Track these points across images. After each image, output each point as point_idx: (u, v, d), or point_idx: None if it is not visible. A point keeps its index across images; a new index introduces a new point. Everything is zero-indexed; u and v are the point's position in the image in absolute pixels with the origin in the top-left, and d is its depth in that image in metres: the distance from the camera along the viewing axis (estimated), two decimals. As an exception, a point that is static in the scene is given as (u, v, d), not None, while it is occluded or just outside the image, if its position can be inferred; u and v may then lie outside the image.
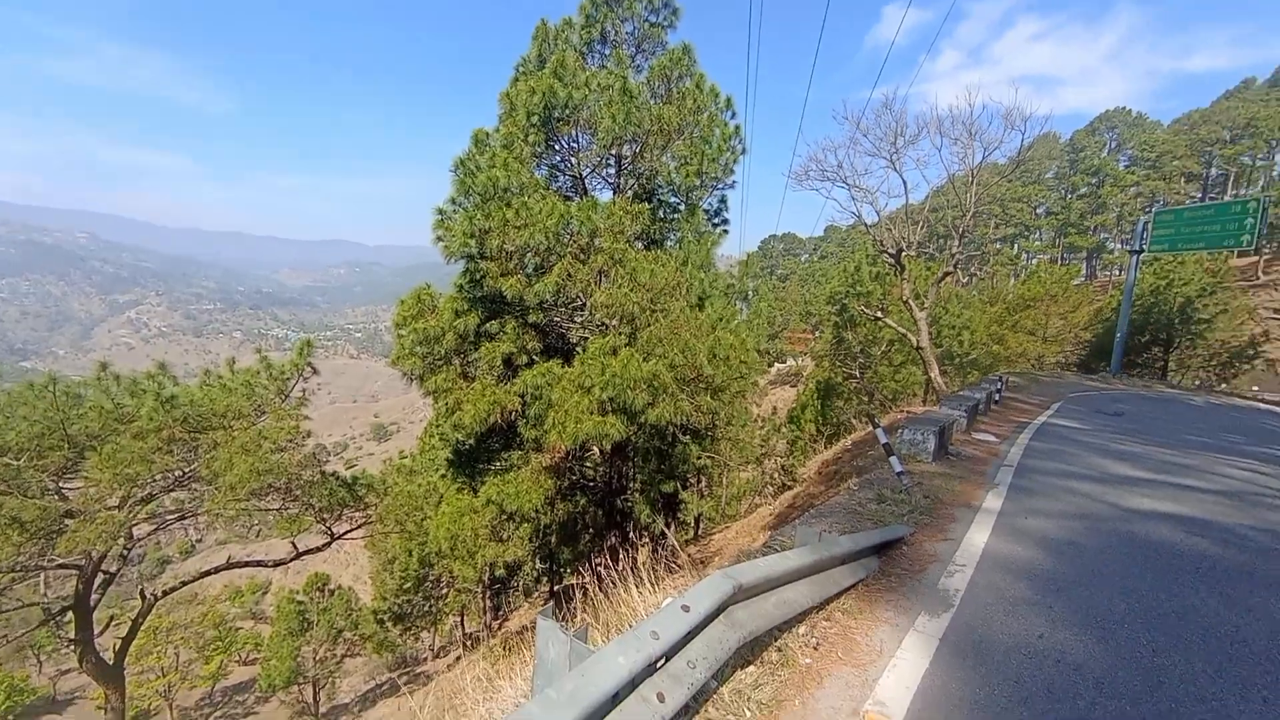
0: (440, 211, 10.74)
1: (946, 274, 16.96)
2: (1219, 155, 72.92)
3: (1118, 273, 74.58)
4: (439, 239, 10.63)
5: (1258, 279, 64.16)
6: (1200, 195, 76.57)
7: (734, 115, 14.70)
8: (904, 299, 16.58)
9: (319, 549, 12.28)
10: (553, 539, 13.38)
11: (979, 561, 4.57)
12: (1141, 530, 5.25)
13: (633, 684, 1.97)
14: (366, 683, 27.27)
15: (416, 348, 11.02)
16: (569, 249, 10.48)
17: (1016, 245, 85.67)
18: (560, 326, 12.91)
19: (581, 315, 12.86)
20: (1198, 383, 34.66)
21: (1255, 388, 42.86)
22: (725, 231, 15.47)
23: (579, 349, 11.62)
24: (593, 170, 12.59)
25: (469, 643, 22.12)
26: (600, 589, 4.54)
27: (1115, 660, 3.30)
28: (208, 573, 11.67)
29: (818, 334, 53.34)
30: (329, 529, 12.25)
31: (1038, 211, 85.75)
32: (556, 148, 12.12)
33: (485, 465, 12.64)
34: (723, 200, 15.22)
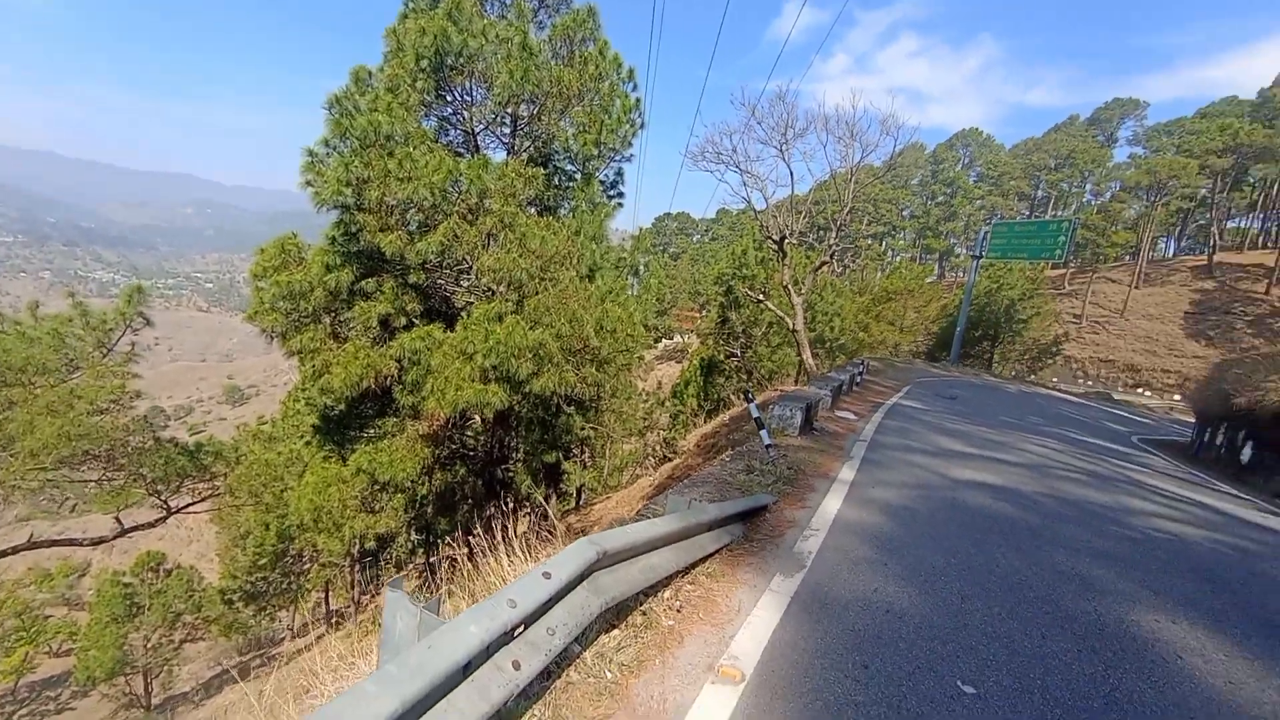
0: (311, 153, 9.74)
1: (823, 263, 18.17)
2: (1045, 179, 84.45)
3: (961, 274, 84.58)
4: (308, 184, 9.65)
5: (1064, 288, 76.24)
6: (1028, 212, 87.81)
7: (635, 88, 14.55)
8: (784, 284, 17.50)
9: (152, 525, 10.98)
10: (429, 509, 12.92)
11: (831, 527, 5.00)
12: (963, 497, 6.01)
13: (487, 653, 1.94)
14: (211, 668, 25.07)
15: (279, 303, 10.01)
16: (456, 208, 9.95)
17: (884, 243, 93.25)
18: (444, 289, 12.31)
19: (468, 279, 12.33)
20: (1014, 373, 40.99)
21: (1055, 380, 51.57)
22: (620, 204, 15.41)
23: (463, 314, 11.14)
24: (486, 127, 11.98)
25: (334, 620, 20.98)
26: (471, 560, 4.44)
27: (932, 607, 3.75)
28: (3, 553, 10.03)
29: (704, 313, 55.74)
30: (165, 503, 10.96)
31: (903, 213, 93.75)
32: (448, 99, 11.38)
33: (356, 433, 11.87)
34: (619, 173, 15.12)
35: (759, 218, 18.05)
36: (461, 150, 12.02)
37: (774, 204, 17.81)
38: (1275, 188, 75.17)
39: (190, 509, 11.93)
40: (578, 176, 14.57)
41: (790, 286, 17.44)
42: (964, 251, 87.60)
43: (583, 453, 18.14)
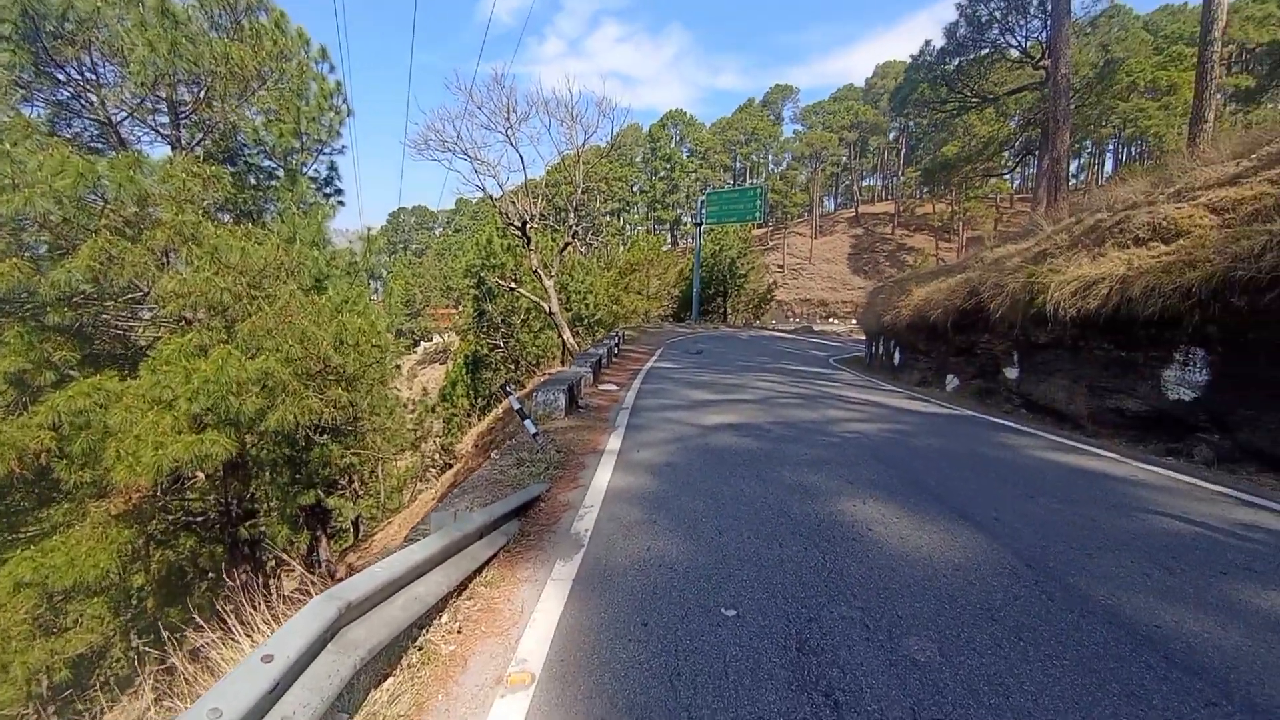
0: None
1: (567, 244, 18.76)
2: (739, 153, 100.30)
3: (690, 241, 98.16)
4: None
5: (768, 245, 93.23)
6: (732, 181, 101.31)
7: (333, 69, 13.03)
8: (534, 269, 17.65)
9: None
10: (149, 602, 10.41)
11: (604, 499, 5.21)
12: (713, 441, 6.77)
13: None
14: None
15: None
16: (105, 221, 7.89)
17: (621, 218, 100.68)
18: (114, 326, 9.83)
19: (148, 309, 10.03)
20: (743, 322, 47.07)
21: (773, 322, 63.02)
22: (340, 203, 13.84)
23: (149, 354, 9.03)
24: (131, 115, 9.65)
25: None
26: (192, 659, 3.63)
27: (696, 549, 4.15)
28: None
29: (460, 308, 54.00)
30: None
31: (634, 189, 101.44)
32: (61, 77, 8.86)
33: (9, 536, 8.96)
34: (332, 167, 13.53)
35: (498, 205, 17.80)
36: (99, 145, 9.54)
37: (510, 190, 17.73)
38: (884, 152, 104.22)
39: None
40: (279, 174, 12.70)
41: (540, 270, 17.67)
42: (689, 220, 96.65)
43: (350, 482, 16.30)
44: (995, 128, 45.86)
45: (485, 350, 23.36)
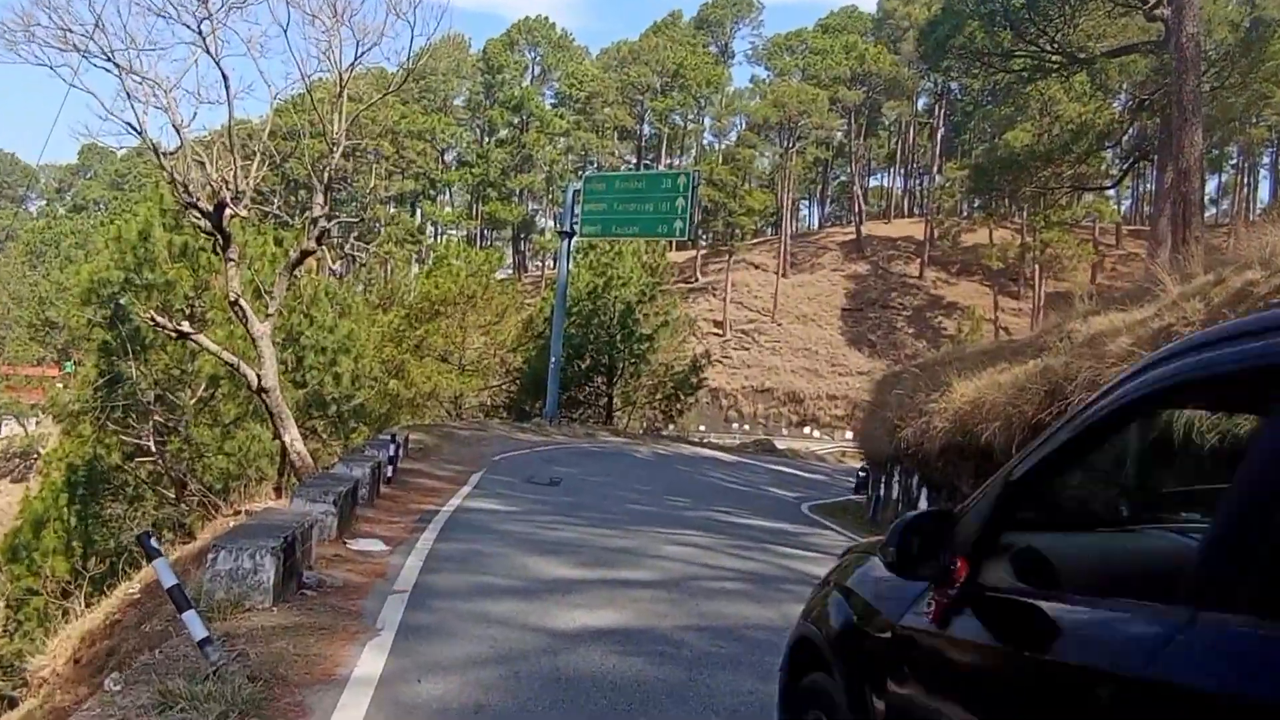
0: None
1: (308, 253, 12.16)
2: (651, 107, 58.99)
3: (550, 264, 54.89)
4: None
5: (696, 280, 54.66)
6: (634, 160, 61.90)
7: None
8: (230, 297, 11.12)
9: None
10: None
11: None
12: (572, 663, 3.94)
13: None
14: None
15: None
16: None
17: (418, 210, 60.32)
18: None
19: None
20: (645, 425, 28.24)
21: (702, 428, 37.40)
22: None
23: None
24: None
25: None
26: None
27: None
28: None
29: (68, 367, 31.61)
30: None
31: (447, 158, 61.46)
32: None
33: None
34: None
35: (169, 167, 11.12)
36: None
37: (199, 141, 11.10)
38: (907, 130, 60.46)
39: None
40: None
41: (244, 303, 11.12)
42: (550, 224, 59.07)
43: None
44: (1091, 108, 27.43)
45: (115, 456, 14.32)
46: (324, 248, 13.64)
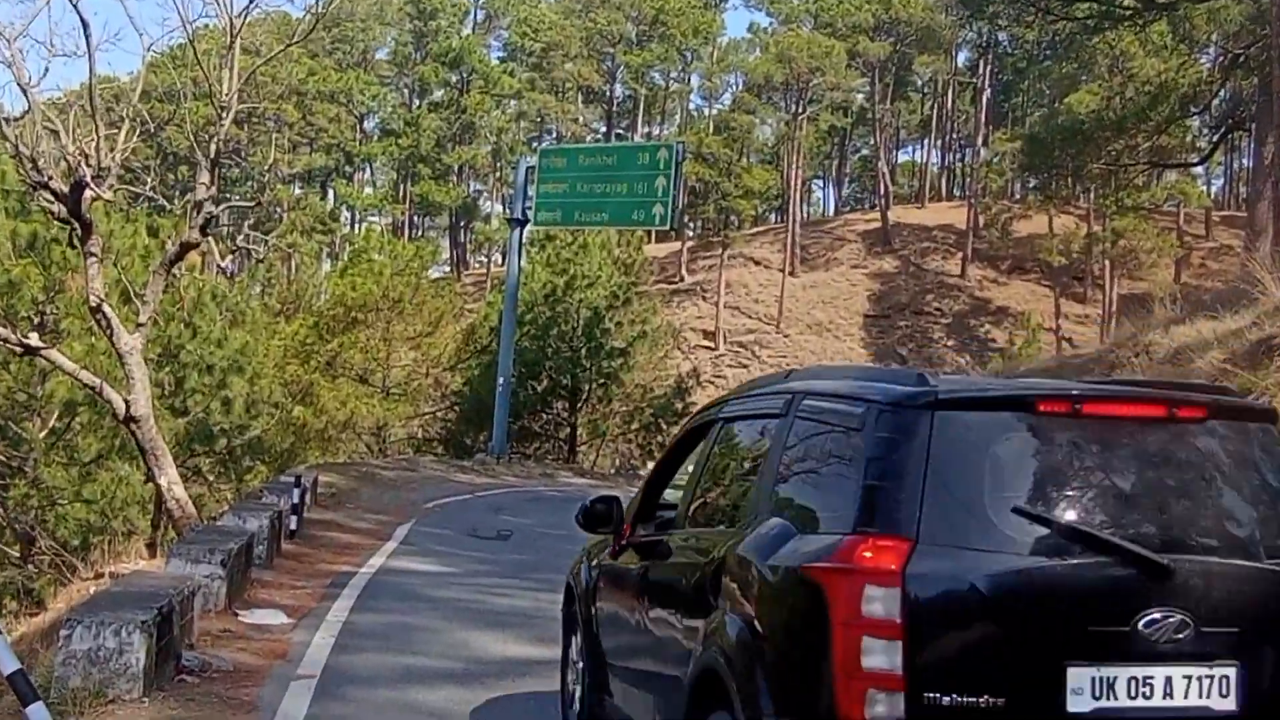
0: None
1: (190, 246, 10.43)
2: (624, 63, 48.98)
3: (499, 260, 46.82)
4: None
5: (681, 279, 45.56)
6: (604, 130, 52.95)
7: None
8: (91, 302, 9.33)
9: None
10: None
11: None
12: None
13: None
14: None
15: None
16: None
17: (331, 192, 51.27)
18: None
19: None
20: (617, 463, 23.66)
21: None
22: None
23: None
24: None
25: None
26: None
27: None
28: None
29: None
30: None
31: (366, 125, 52.17)
32: None
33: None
34: None
35: (15, 138, 9.13)
36: None
37: (51, 104, 8.99)
38: (944, 92, 49.44)
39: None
40: None
41: (109, 309, 9.41)
42: (497, 209, 49.03)
43: None
44: (1173, 65, 22.14)
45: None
46: (210, 239, 11.41)
